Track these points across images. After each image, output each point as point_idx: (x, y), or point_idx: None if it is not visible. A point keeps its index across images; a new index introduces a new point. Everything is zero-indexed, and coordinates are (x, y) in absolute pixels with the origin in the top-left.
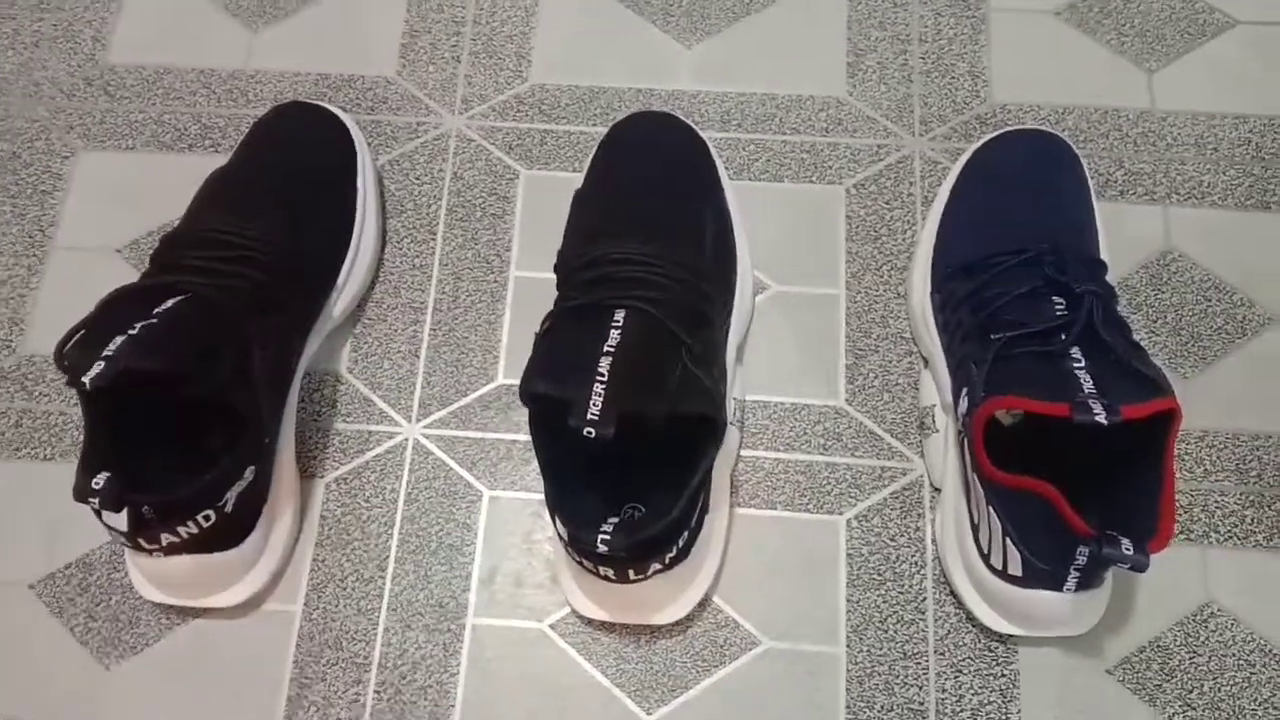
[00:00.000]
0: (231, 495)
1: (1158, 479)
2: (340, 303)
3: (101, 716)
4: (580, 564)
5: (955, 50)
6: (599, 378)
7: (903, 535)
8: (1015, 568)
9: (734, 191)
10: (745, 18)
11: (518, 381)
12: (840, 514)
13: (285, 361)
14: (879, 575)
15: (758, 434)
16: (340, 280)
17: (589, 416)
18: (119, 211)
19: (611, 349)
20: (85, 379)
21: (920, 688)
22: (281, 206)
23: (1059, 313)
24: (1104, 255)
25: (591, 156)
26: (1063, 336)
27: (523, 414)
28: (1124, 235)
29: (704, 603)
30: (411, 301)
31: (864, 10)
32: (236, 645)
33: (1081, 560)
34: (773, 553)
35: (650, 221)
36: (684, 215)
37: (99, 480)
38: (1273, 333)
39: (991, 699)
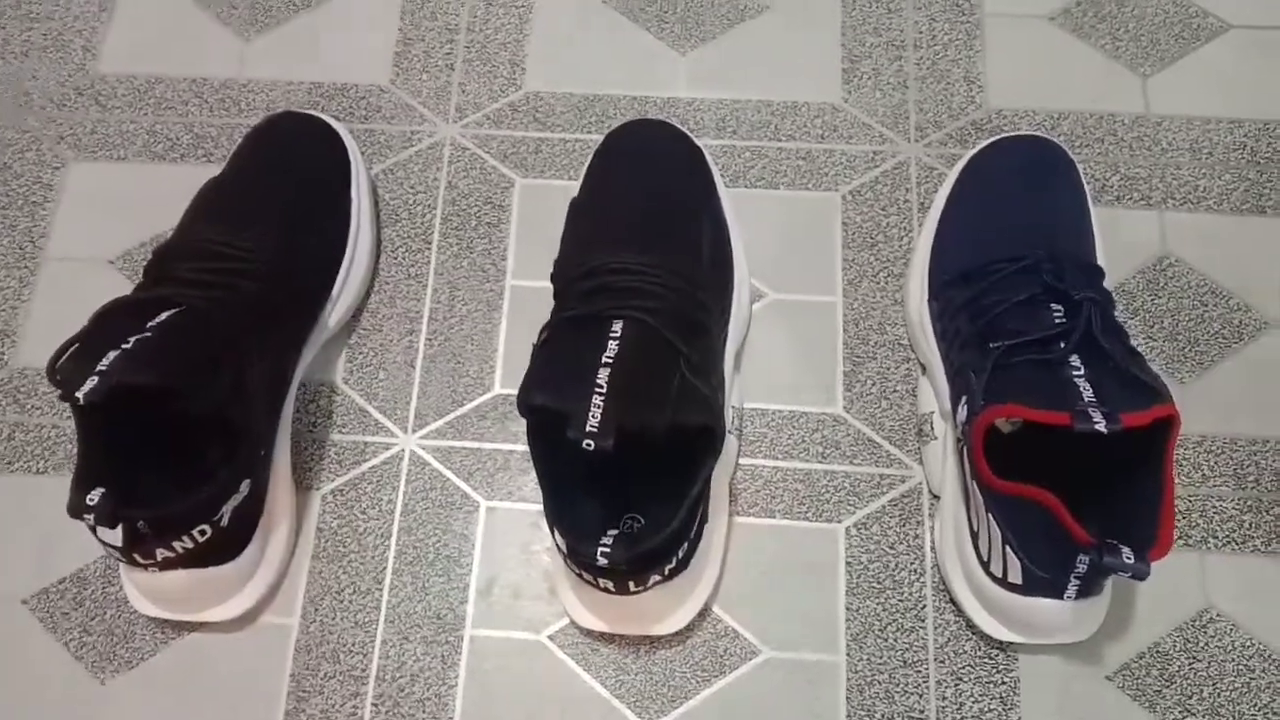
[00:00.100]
0: (227, 509)
1: (1157, 486)
2: (335, 313)
3: None
4: (579, 576)
5: (950, 56)
6: (598, 389)
7: (902, 543)
8: (1015, 576)
9: (730, 199)
10: (740, 24)
11: (514, 391)
12: (839, 522)
13: (280, 373)
14: (878, 583)
15: (756, 442)
16: (335, 290)
17: (588, 429)
18: (111, 222)
19: (610, 360)
20: (79, 394)
21: (920, 696)
22: (275, 217)
23: (1058, 320)
24: (1101, 261)
25: (587, 165)
26: (1062, 344)
27: (519, 424)
28: (1120, 241)
29: (703, 612)
30: (407, 311)
31: (858, 16)
32: (233, 659)
33: (1082, 569)
34: (772, 561)
35: (647, 230)
36: (680, 224)
37: (93, 496)
38: (1269, 337)
39: (992, 706)
